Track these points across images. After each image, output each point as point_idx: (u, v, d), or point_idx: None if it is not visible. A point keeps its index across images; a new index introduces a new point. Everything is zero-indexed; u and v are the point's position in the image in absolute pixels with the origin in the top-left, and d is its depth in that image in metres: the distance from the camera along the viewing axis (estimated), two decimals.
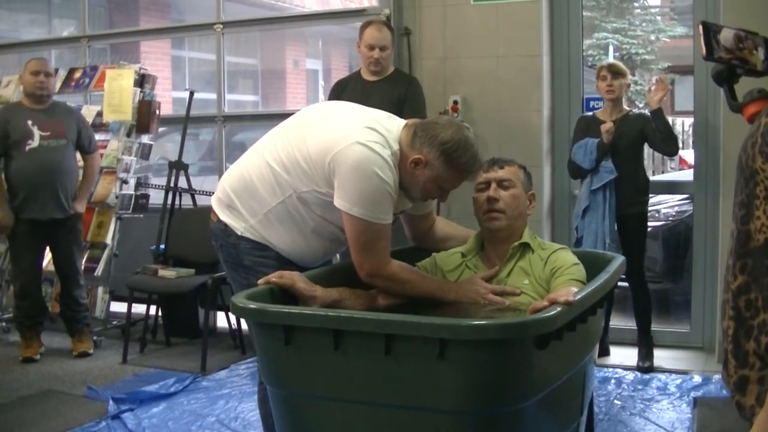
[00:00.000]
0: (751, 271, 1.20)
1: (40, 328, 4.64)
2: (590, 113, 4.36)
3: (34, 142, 4.45)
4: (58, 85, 5.26)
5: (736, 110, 2.34)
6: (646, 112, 4.20)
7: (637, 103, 11.41)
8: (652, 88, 4.14)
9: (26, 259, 4.53)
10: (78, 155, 4.70)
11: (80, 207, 4.64)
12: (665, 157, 8.35)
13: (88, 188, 4.78)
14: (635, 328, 4.29)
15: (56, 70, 4.72)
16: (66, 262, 4.64)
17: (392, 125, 2.36)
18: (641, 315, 4.23)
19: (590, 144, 4.11)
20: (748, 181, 1.21)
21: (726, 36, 2.27)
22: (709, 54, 2.27)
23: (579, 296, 1.95)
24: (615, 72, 4.14)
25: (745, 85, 2.28)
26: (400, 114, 3.69)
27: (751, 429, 1.15)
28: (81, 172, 4.73)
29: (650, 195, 4.31)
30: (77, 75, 5.44)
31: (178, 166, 5.07)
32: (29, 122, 4.46)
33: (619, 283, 4.14)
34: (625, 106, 4.26)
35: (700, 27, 2.19)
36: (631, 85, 4.35)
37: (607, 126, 4.07)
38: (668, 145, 4.11)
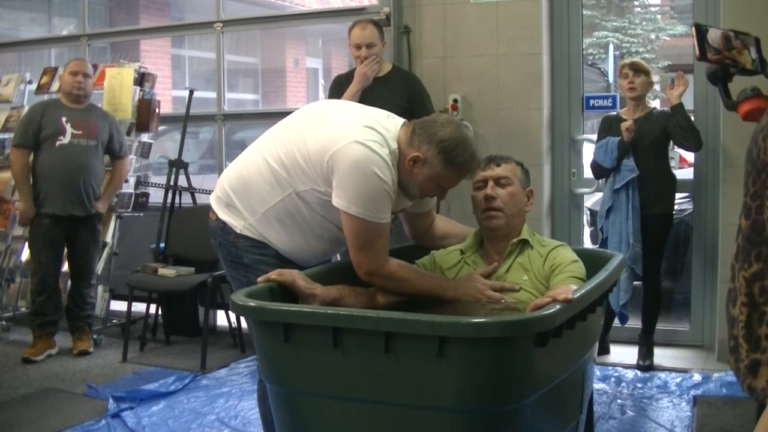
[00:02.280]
0: (766, 259, 1.22)
1: (52, 329, 4.63)
2: (614, 113, 4.33)
3: (65, 139, 4.51)
4: (58, 84, 5.26)
5: (731, 108, 2.36)
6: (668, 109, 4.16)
7: None
8: (671, 84, 4.09)
9: (44, 254, 4.55)
10: (107, 159, 4.76)
11: (102, 207, 4.68)
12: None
13: (113, 191, 4.85)
14: (635, 326, 4.29)
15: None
16: (82, 260, 4.67)
17: (391, 124, 2.36)
18: (648, 315, 4.22)
19: (611, 143, 4.09)
20: (760, 173, 1.23)
21: (713, 36, 2.30)
22: (703, 55, 2.30)
23: (578, 294, 1.95)
24: (637, 69, 4.09)
25: (739, 84, 2.28)
26: (406, 111, 3.70)
27: (764, 411, 1.17)
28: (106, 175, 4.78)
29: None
30: None
31: (177, 165, 5.07)
32: (63, 119, 4.53)
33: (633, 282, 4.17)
34: (649, 104, 4.23)
35: (693, 29, 2.22)
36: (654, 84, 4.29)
37: (626, 124, 4.04)
38: (690, 140, 4.00)
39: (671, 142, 4.14)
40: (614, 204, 4.12)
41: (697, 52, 2.31)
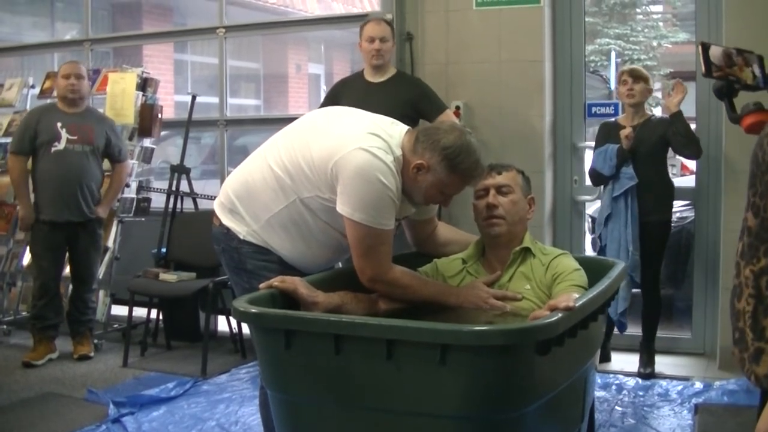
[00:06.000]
0: None
1: (53, 333, 4.62)
2: (612, 119, 4.32)
3: (60, 145, 4.48)
4: None
5: (735, 121, 2.51)
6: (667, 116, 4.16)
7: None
8: (671, 91, 4.09)
9: (45, 258, 4.54)
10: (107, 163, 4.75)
11: (102, 212, 4.67)
12: (669, 163, 8.30)
13: (114, 195, 4.83)
14: (637, 334, 4.28)
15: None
16: (83, 265, 4.66)
17: (395, 131, 2.36)
18: (648, 322, 4.20)
19: (610, 150, 4.07)
20: (764, 174, 1.35)
21: (714, 53, 2.46)
22: (708, 72, 2.45)
23: (580, 302, 1.95)
24: (636, 76, 4.08)
25: (745, 99, 2.39)
26: (409, 118, 3.70)
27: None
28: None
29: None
30: None
31: (179, 170, 5.07)
32: (59, 124, 4.51)
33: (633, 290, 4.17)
34: (647, 111, 4.23)
35: (700, 47, 2.39)
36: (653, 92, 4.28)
37: (626, 131, 4.02)
38: (689, 148, 4.00)
39: (670, 150, 4.14)
40: (613, 211, 4.11)
41: (703, 68, 2.44)
